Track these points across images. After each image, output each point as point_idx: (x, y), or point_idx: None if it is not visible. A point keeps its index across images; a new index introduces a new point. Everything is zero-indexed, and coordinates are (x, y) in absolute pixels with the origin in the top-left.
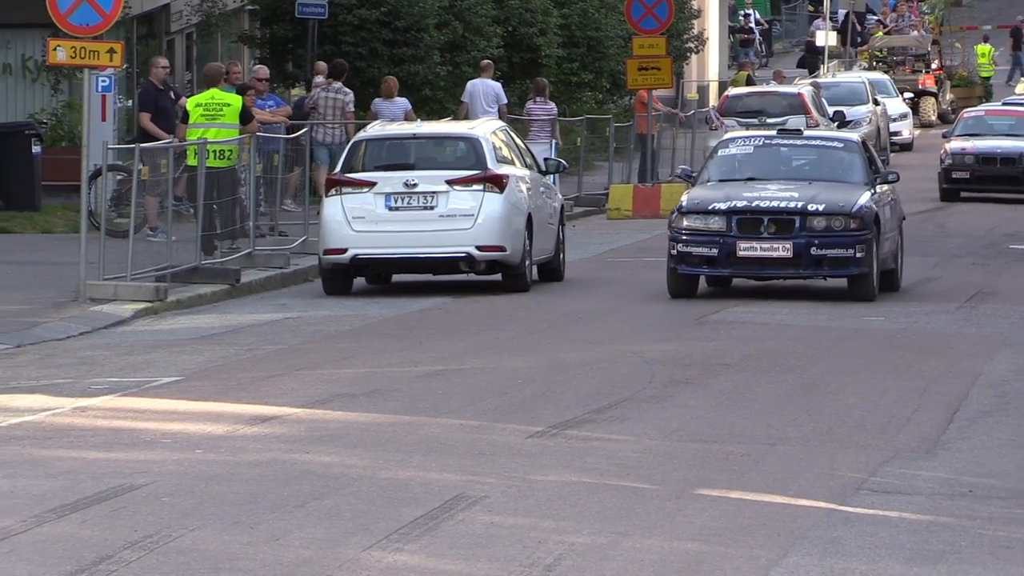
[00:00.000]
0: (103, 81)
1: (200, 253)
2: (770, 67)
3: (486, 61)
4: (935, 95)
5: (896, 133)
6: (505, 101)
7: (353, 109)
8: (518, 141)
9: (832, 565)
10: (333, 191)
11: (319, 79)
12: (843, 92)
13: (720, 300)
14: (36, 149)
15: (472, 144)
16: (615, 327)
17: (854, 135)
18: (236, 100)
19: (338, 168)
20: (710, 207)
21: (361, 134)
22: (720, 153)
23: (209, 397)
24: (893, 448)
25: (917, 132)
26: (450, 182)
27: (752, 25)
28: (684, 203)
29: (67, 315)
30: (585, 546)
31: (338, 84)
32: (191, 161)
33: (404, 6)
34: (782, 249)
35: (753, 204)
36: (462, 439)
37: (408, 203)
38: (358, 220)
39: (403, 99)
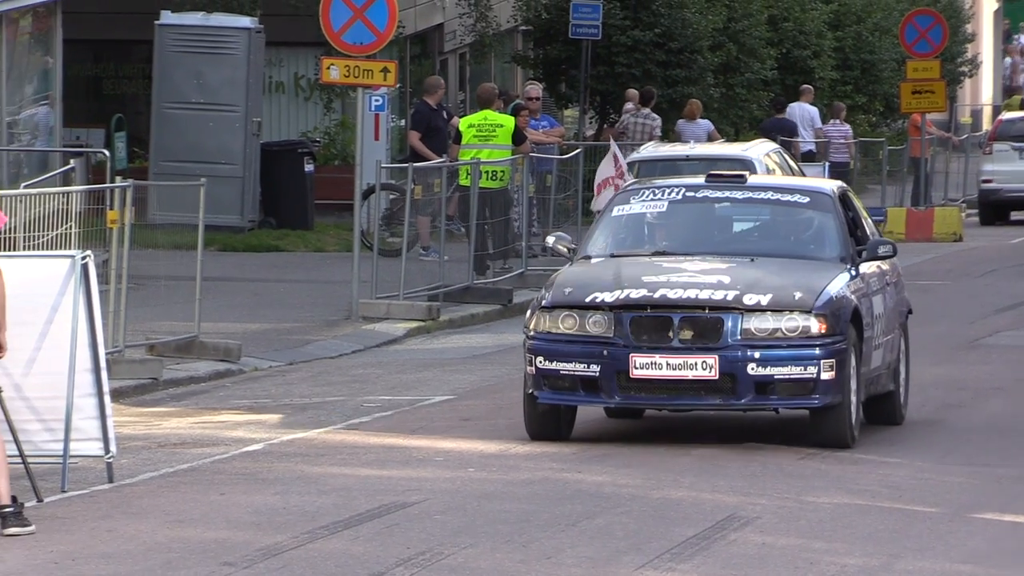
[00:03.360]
0: (376, 100)
1: (472, 273)
2: None
3: (806, 86)
4: None
5: None
6: (820, 125)
7: (660, 134)
8: (791, 163)
9: None
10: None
11: (628, 105)
12: None
13: (992, 320)
14: (308, 167)
15: (745, 166)
16: None
17: (829, 184)
18: (509, 121)
19: None
20: (589, 299)
21: (634, 155)
22: (615, 211)
23: (481, 416)
24: None
25: None
26: None
27: None
28: (549, 294)
29: (339, 333)
30: (857, 567)
31: (646, 110)
32: (463, 181)
33: (678, 27)
34: (702, 367)
35: (657, 294)
36: (734, 460)
37: None
38: None
39: (706, 120)
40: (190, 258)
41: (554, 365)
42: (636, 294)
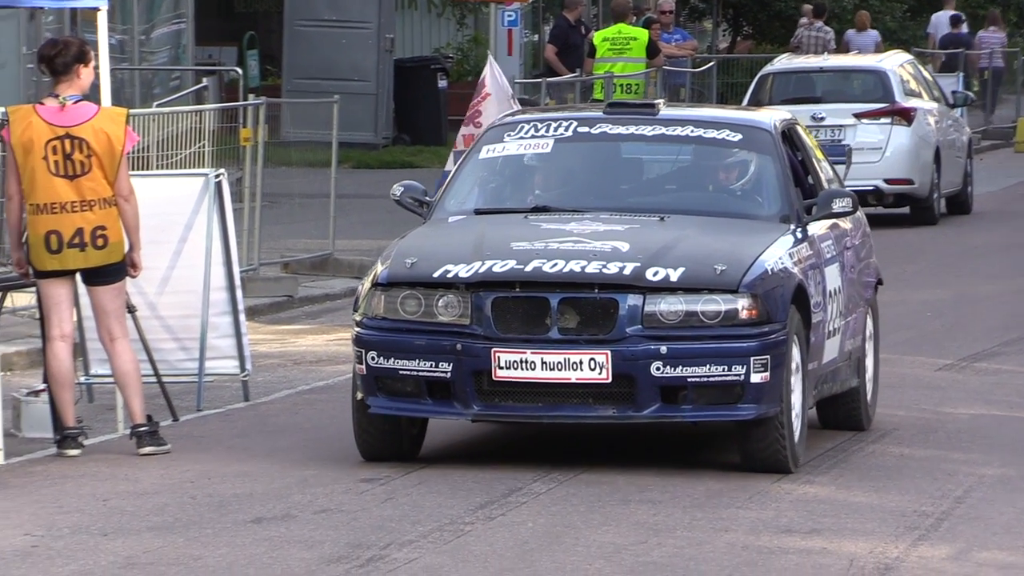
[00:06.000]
0: (509, 15)
1: None
2: None
3: None
4: None
5: None
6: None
7: (834, 46)
8: (926, 74)
9: None
10: None
11: (803, 20)
12: None
13: None
14: (442, 83)
15: (880, 77)
16: (1023, 260)
17: (769, 116)
18: (642, 34)
19: (744, 102)
20: (438, 274)
21: (768, 67)
22: (484, 153)
23: None
24: None
25: None
26: (857, 115)
27: None
28: (386, 266)
29: None
30: (994, 478)
31: (819, 23)
32: (597, 95)
33: None
34: (589, 366)
35: (529, 267)
36: None
37: (816, 136)
38: None
39: (875, 31)
40: (324, 175)
41: (391, 363)
42: (501, 267)
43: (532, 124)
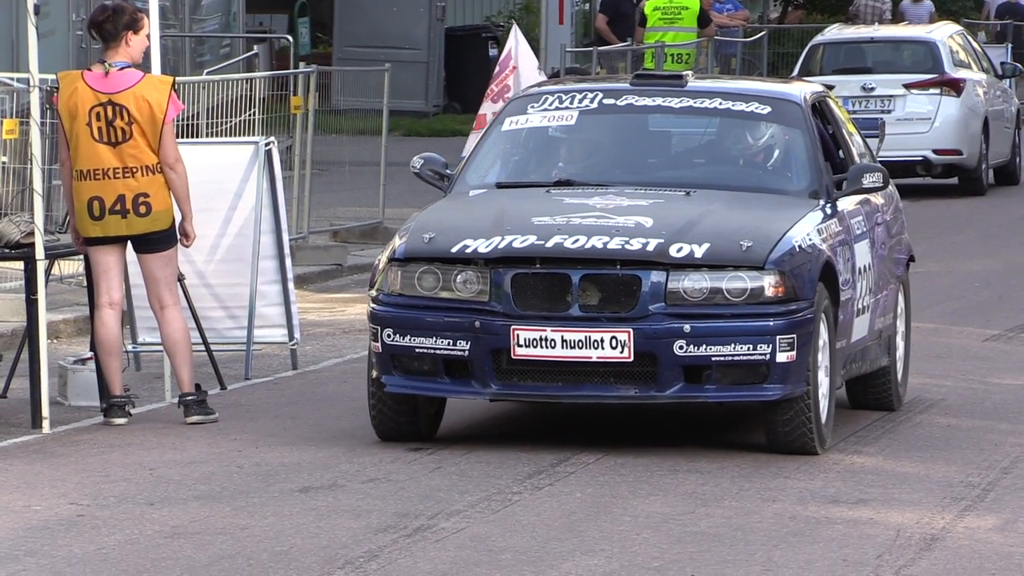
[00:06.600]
0: None
1: None
2: None
3: None
4: None
5: None
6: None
7: (890, 16)
8: (975, 45)
9: None
10: None
11: None
12: None
13: None
14: (493, 52)
15: (929, 48)
16: None
17: (799, 88)
18: (694, 3)
19: (795, 72)
20: (456, 249)
21: (819, 37)
22: (506, 125)
23: None
24: None
25: None
26: (907, 86)
27: None
28: (403, 241)
29: None
30: None
31: None
32: (648, 64)
33: None
34: (611, 344)
35: (550, 243)
36: (919, 342)
37: (865, 107)
38: None
39: (928, 2)
40: (374, 143)
41: (408, 340)
42: (521, 242)
43: (556, 96)
